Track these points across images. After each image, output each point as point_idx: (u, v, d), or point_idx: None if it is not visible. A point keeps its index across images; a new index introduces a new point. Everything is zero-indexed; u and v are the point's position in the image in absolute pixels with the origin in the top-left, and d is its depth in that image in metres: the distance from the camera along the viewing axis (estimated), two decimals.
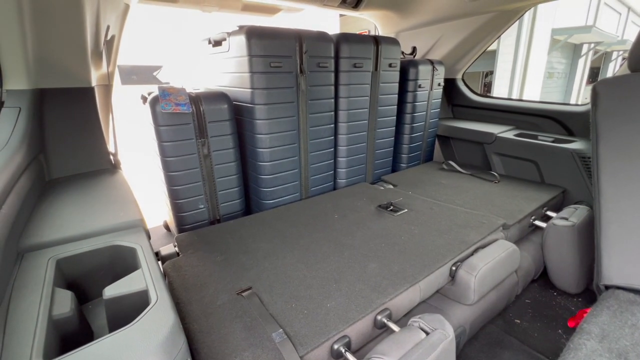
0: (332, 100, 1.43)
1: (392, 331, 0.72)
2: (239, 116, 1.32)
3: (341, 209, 1.31)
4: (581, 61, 10.45)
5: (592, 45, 10.16)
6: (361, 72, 1.47)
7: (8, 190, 0.64)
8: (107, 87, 1.31)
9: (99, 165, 1.07)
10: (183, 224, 1.26)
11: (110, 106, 1.37)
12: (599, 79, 0.94)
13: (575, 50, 10.43)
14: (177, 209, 1.24)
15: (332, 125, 1.47)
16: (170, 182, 1.20)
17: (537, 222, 1.31)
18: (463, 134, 1.91)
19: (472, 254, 1.01)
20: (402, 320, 0.85)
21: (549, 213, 1.37)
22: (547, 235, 1.21)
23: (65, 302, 0.52)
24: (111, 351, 0.41)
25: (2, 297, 0.50)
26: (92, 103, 1.06)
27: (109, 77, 1.17)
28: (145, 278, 0.56)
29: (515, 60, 8.50)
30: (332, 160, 1.53)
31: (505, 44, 8.36)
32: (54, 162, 0.98)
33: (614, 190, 0.90)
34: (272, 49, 1.19)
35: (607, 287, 0.94)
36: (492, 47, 8.54)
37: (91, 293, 0.66)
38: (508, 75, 8.45)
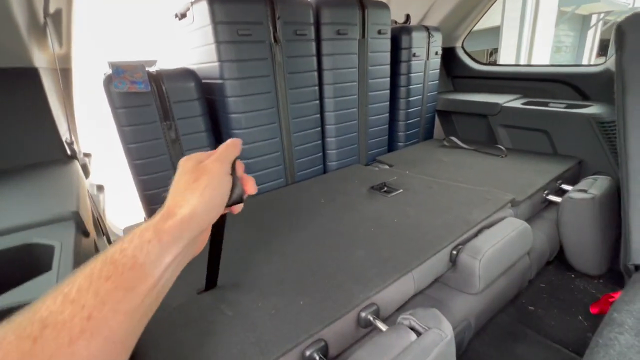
0: (315, 72, 1.28)
1: (380, 331, 0.60)
2: (211, 96, 1.18)
3: (329, 193, 1.18)
4: (590, 33, 10.01)
5: (602, 15, 9.70)
6: (346, 40, 1.32)
7: None
8: (65, 72, 1.19)
9: (50, 155, 0.96)
10: None
11: (71, 93, 1.25)
12: (609, 50, 0.78)
13: (583, 22, 9.98)
14: (147, 201, 1.12)
15: (317, 102, 1.33)
16: (137, 171, 1.08)
17: (551, 197, 1.16)
18: (465, 107, 1.75)
19: (475, 235, 0.87)
20: (394, 315, 0.72)
21: (564, 186, 1.22)
22: (563, 211, 1.06)
23: None
24: None
25: None
26: (38, 85, 0.94)
27: (56, 59, 1.04)
28: (51, 284, 0.44)
29: (521, 35, 8.16)
30: (320, 141, 1.39)
31: (509, 18, 8.02)
32: (2, 152, 0.86)
33: None
34: (239, 15, 1.05)
35: (637, 268, 0.79)
36: (496, 22, 8.20)
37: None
38: (513, 51, 8.12)
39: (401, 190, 1.14)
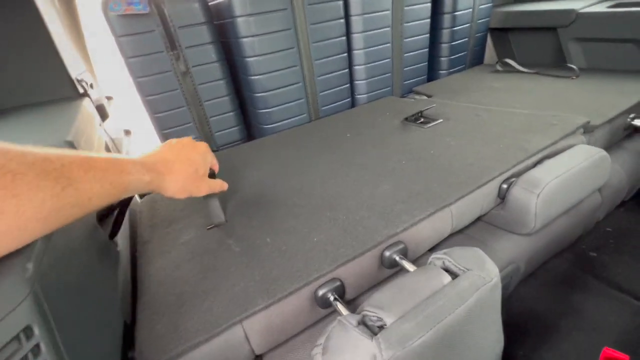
0: None
1: (407, 272, 0.51)
2: (220, 20, 1.05)
3: (356, 127, 1.04)
4: None
5: None
6: None
7: None
8: (67, 2, 1.11)
9: (60, 93, 0.92)
10: None
11: (80, 30, 1.18)
12: None
13: None
14: (166, 140, 1.08)
15: (342, 21, 1.13)
16: (151, 108, 1.03)
17: (638, 122, 0.92)
18: (527, 20, 1.42)
19: (534, 165, 0.71)
20: (427, 256, 0.62)
21: None
22: None
23: None
24: None
25: None
26: (33, 14, 0.87)
27: None
28: None
29: None
30: (347, 70, 1.22)
31: None
32: (6, 90, 0.84)
33: None
34: None
35: None
36: None
37: None
38: None
39: (441, 120, 0.97)
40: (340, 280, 0.50)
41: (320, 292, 0.49)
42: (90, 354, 0.35)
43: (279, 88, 1.09)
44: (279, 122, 1.14)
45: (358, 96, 1.29)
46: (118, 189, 0.36)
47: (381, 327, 0.38)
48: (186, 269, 0.55)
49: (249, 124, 1.23)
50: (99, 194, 0.34)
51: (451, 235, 0.66)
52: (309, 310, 0.50)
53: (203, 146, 0.53)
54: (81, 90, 0.98)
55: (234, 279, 0.50)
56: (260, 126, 1.15)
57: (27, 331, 0.28)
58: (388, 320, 0.37)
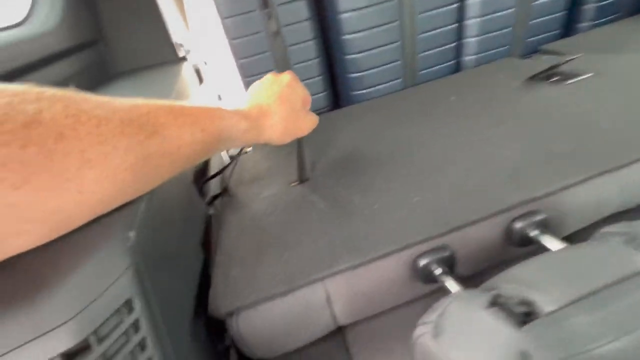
0: None
1: (547, 251, 0.36)
2: None
3: (464, 91, 0.87)
4: None
5: None
6: None
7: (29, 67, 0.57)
8: None
9: (162, 57, 0.98)
10: None
11: None
12: None
13: None
14: None
15: None
16: (243, 71, 1.03)
17: None
18: None
19: None
20: (574, 235, 0.45)
21: None
22: None
23: None
24: None
25: None
26: None
27: None
28: None
29: None
30: (456, 25, 1.03)
31: None
32: (117, 54, 0.93)
33: None
34: None
35: None
36: None
37: None
38: None
39: (590, 74, 0.73)
40: (451, 250, 0.38)
41: (422, 262, 0.38)
42: (180, 322, 0.31)
43: (373, 48, 0.98)
44: (370, 88, 1.03)
45: (465, 58, 1.08)
46: (211, 136, 0.33)
47: (529, 315, 0.25)
48: (267, 221, 0.50)
49: (336, 90, 1.16)
50: (189, 142, 0.31)
51: (614, 215, 0.47)
52: (405, 282, 0.39)
53: (289, 78, 0.47)
54: (181, 54, 1.04)
55: (317, 234, 0.43)
56: (350, 93, 1.06)
57: (128, 305, 0.25)
58: (545, 306, 0.24)
